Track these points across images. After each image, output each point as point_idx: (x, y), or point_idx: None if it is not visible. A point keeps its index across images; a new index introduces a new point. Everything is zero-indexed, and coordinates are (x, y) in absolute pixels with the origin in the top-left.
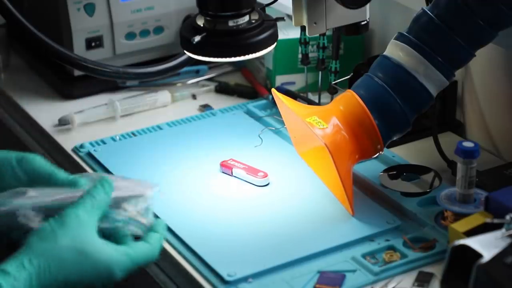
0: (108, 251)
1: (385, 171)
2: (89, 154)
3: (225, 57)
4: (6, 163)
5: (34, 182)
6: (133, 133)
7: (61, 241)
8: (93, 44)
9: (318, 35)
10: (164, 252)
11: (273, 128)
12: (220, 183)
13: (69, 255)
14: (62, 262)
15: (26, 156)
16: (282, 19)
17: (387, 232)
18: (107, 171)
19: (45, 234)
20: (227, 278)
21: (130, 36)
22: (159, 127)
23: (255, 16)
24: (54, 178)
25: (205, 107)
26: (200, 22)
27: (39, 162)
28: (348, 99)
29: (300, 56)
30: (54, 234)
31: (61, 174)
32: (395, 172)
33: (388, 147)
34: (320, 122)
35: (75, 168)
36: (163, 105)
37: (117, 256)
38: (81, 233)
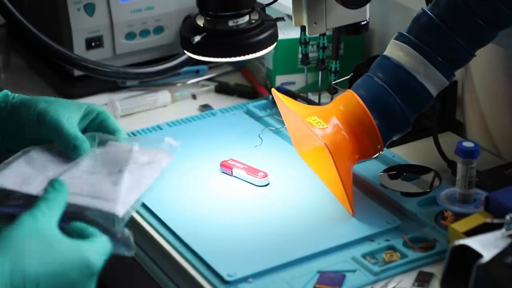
0: (74, 241)
1: (385, 171)
2: None
3: (225, 57)
4: (29, 117)
5: (52, 139)
6: (133, 133)
7: (22, 239)
8: (93, 44)
9: (318, 35)
10: (164, 252)
11: (273, 128)
12: (220, 183)
13: (32, 246)
14: (25, 257)
15: (47, 112)
16: (282, 19)
17: (387, 232)
18: None
19: (5, 235)
20: (227, 278)
21: (130, 36)
22: (159, 127)
23: (255, 16)
24: (63, 139)
25: (205, 107)
26: (200, 22)
27: (56, 119)
28: (348, 99)
29: (300, 56)
30: (13, 235)
31: (68, 138)
32: (395, 172)
33: (388, 147)
34: (320, 122)
35: None
36: (163, 105)
37: (86, 242)
38: (42, 228)
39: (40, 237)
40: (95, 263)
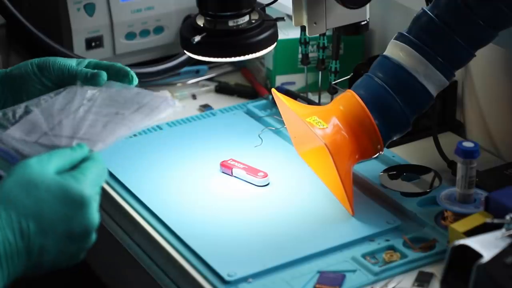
0: (63, 178)
1: (385, 171)
2: None
3: (225, 57)
4: (28, 72)
5: (60, 84)
6: (133, 134)
7: (8, 183)
8: (93, 44)
9: (318, 35)
10: (164, 252)
11: (273, 128)
12: (220, 183)
13: (17, 192)
14: (10, 202)
15: (47, 61)
16: (282, 19)
17: (387, 232)
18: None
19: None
20: (227, 278)
21: (130, 36)
22: (159, 127)
23: (255, 16)
24: (77, 78)
25: (205, 107)
26: (200, 22)
27: (60, 64)
28: (348, 99)
29: (300, 56)
30: (3, 180)
31: (82, 72)
32: (395, 172)
33: (388, 147)
34: (320, 122)
35: None
36: None
37: (76, 177)
38: (33, 173)
39: (26, 180)
40: (82, 194)
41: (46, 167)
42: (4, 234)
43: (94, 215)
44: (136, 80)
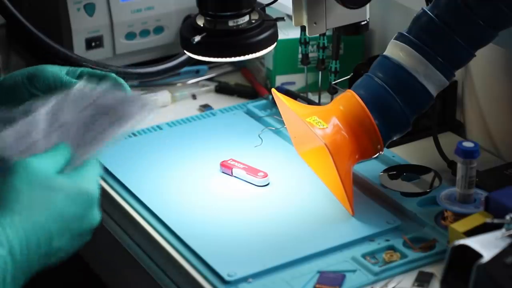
0: (73, 178)
1: (385, 171)
2: None
3: (225, 57)
4: (18, 82)
5: (50, 93)
6: (133, 133)
7: (24, 188)
8: (93, 44)
9: (318, 35)
10: (164, 252)
11: (273, 128)
12: (220, 183)
13: (37, 195)
14: (33, 208)
15: (36, 71)
16: (282, 19)
17: (387, 232)
18: (107, 171)
19: (6, 183)
20: (227, 278)
21: (130, 36)
22: (159, 127)
23: (255, 16)
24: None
25: (205, 107)
26: (200, 22)
27: (49, 73)
28: (348, 99)
29: (300, 56)
30: (14, 184)
31: (72, 84)
32: (395, 172)
33: (388, 147)
34: (320, 122)
35: None
36: (163, 105)
37: (83, 175)
38: (38, 173)
39: (39, 183)
40: (92, 192)
41: (47, 167)
42: (28, 240)
43: (98, 212)
44: (129, 91)
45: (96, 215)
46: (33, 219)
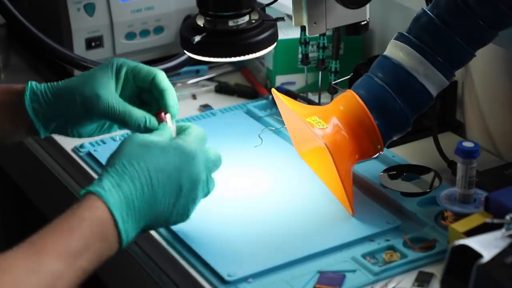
0: (170, 139)
1: (385, 171)
2: (89, 154)
3: (225, 57)
4: (74, 106)
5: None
6: None
7: (127, 147)
8: (93, 44)
9: (318, 35)
10: (164, 252)
11: (273, 128)
12: (220, 183)
13: (137, 150)
14: (132, 157)
15: (91, 98)
16: (282, 19)
17: (387, 232)
18: None
19: (113, 152)
20: (227, 278)
21: (130, 36)
22: None
23: (255, 16)
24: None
25: (205, 107)
26: (200, 22)
27: (101, 105)
28: (348, 99)
29: (300, 56)
30: (119, 148)
31: (134, 120)
32: (395, 172)
33: (388, 147)
34: (320, 122)
35: (75, 168)
36: None
37: (180, 137)
38: (141, 136)
39: (141, 143)
40: (189, 148)
41: (148, 135)
42: (134, 184)
43: (201, 168)
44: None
45: (195, 170)
46: (132, 168)
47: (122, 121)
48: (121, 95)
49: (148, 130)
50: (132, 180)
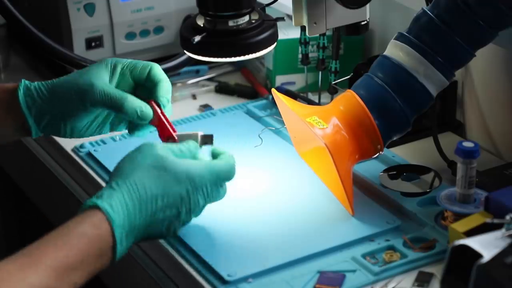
0: (186, 162)
1: (385, 171)
2: (89, 154)
3: (225, 57)
4: (70, 98)
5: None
6: None
7: (142, 163)
8: (93, 44)
9: (318, 35)
10: (164, 252)
11: (273, 128)
12: None
13: (151, 172)
14: (145, 179)
15: (87, 87)
16: (282, 19)
17: (387, 232)
18: (107, 171)
19: (127, 160)
20: (227, 278)
21: (130, 36)
22: None
23: (255, 16)
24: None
25: (205, 107)
26: (200, 22)
27: (97, 93)
28: (348, 99)
29: (300, 56)
30: (134, 159)
31: (130, 106)
32: (395, 172)
33: (388, 147)
34: (320, 122)
35: (75, 168)
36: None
37: (195, 163)
38: (158, 154)
39: (157, 162)
40: (198, 183)
41: (167, 151)
42: (140, 208)
43: (202, 197)
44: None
45: (201, 200)
46: (143, 191)
47: (119, 107)
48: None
49: (144, 117)
50: (139, 203)
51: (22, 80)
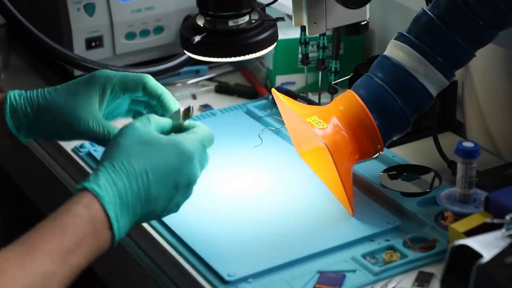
0: (170, 135)
1: (385, 171)
2: (89, 154)
3: (225, 57)
4: (51, 119)
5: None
6: None
7: (125, 143)
8: (93, 44)
9: (318, 35)
10: (164, 252)
11: (273, 128)
12: (220, 183)
13: (135, 148)
14: (131, 156)
15: (72, 120)
16: (282, 19)
17: (387, 232)
18: None
19: (111, 144)
20: (227, 278)
21: (130, 36)
22: None
23: (255, 16)
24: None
25: (205, 107)
26: (200, 22)
27: (86, 127)
28: (348, 99)
29: (300, 56)
30: (117, 142)
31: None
32: (395, 172)
33: (388, 147)
34: (320, 122)
35: (75, 168)
36: None
37: (178, 135)
38: (140, 131)
39: (139, 137)
40: (189, 149)
41: (149, 128)
42: (130, 183)
43: (197, 168)
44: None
45: (193, 171)
46: (130, 167)
47: (105, 142)
48: (110, 110)
49: None
50: (128, 178)
51: (7, 97)
